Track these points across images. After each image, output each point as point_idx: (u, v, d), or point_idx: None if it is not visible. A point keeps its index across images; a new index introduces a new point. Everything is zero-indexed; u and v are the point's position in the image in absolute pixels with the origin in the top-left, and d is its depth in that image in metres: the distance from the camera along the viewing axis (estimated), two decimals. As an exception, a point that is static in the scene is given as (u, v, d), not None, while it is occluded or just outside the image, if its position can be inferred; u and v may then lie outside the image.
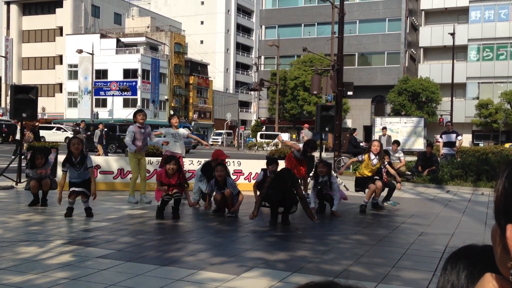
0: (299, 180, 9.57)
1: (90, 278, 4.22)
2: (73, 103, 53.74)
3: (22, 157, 10.98)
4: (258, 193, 8.12)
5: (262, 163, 9.65)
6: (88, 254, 5.05)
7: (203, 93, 61.93)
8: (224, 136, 48.75)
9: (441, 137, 15.43)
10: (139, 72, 51.25)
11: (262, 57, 51.58)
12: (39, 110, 35.49)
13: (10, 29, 57.78)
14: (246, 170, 11.37)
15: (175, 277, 4.29)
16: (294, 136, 40.30)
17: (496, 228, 0.68)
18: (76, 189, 7.24)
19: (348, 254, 5.43)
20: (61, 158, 10.74)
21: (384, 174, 8.99)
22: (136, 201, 8.88)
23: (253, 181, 10.93)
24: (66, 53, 53.32)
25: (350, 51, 43.50)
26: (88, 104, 48.69)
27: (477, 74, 44.06)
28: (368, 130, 34.62)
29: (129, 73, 51.66)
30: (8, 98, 38.11)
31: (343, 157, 15.84)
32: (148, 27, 58.31)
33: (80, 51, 42.39)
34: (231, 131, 54.41)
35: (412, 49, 47.78)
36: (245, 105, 70.93)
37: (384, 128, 16.13)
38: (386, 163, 9.17)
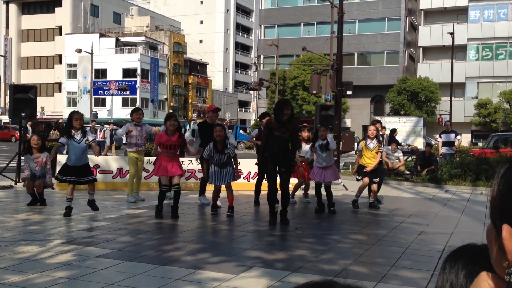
0: (302, 183, 9.59)
1: (89, 277, 4.22)
2: (72, 102, 53.71)
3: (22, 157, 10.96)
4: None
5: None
6: (87, 253, 5.05)
7: (202, 92, 61.90)
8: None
9: (440, 136, 15.45)
10: (138, 71, 51.22)
11: (262, 56, 51.58)
12: (38, 109, 35.49)
13: (9, 28, 57.72)
14: (245, 169, 11.36)
15: (174, 277, 4.29)
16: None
17: (491, 228, 0.68)
18: (71, 178, 7.20)
19: (347, 254, 5.43)
20: (61, 157, 10.74)
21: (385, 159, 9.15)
22: (134, 200, 8.91)
23: (252, 181, 10.95)
24: (65, 53, 53.28)
25: (349, 51, 43.50)
26: (87, 103, 48.66)
27: (476, 74, 44.07)
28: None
29: (128, 72, 51.63)
30: (7, 97, 38.08)
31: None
32: (147, 26, 58.28)
33: (79, 51, 42.36)
34: (230, 130, 54.42)
35: (411, 49, 47.80)
36: (244, 104, 70.92)
37: (383, 128, 16.12)
38: (383, 149, 9.30)
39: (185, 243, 5.74)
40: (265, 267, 4.72)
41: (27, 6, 58.28)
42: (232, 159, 7.72)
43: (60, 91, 55.59)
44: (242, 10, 75.27)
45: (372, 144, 8.65)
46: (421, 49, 47.34)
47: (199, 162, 8.93)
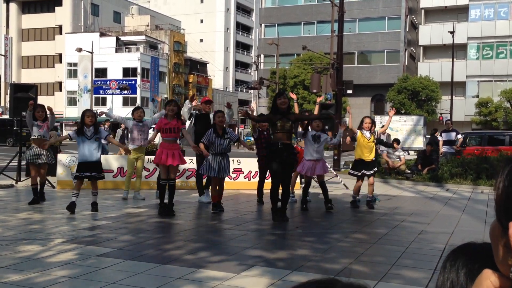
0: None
1: (90, 276, 4.22)
2: (72, 101, 53.71)
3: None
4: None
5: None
6: (88, 252, 5.05)
7: (202, 91, 61.90)
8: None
9: (441, 135, 15.44)
10: (139, 70, 51.21)
11: (262, 55, 51.55)
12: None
13: (10, 27, 57.71)
14: (245, 168, 11.38)
15: (175, 275, 4.29)
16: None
17: (495, 226, 0.68)
18: (90, 173, 7.41)
19: (348, 253, 5.44)
20: (61, 156, 10.76)
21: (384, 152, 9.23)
22: (125, 197, 9.07)
23: (253, 180, 10.98)
24: (65, 52, 53.27)
25: (350, 50, 43.47)
26: (87, 102, 48.66)
27: (477, 73, 44.05)
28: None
29: (128, 71, 51.62)
30: (8, 96, 38.11)
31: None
32: (147, 25, 58.25)
33: (79, 50, 42.35)
34: (231, 129, 54.40)
35: (411, 48, 47.77)
36: (244, 103, 70.89)
37: (383, 127, 16.10)
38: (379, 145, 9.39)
39: (185, 242, 5.75)
40: (266, 266, 4.73)
41: (27, 5, 58.26)
42: (236, 143, 7.96)
43: (61, 90, 55.58)
44: (243, 9, 75.22)
45: (368, 133, 8.71)
46: (421, 48, 47.31)
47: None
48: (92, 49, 43.88)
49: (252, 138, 10.01)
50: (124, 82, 49.86)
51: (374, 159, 8.91)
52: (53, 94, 56.50)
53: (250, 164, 11.26)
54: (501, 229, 0.66)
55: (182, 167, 10.67)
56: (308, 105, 42.44)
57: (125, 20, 60.37)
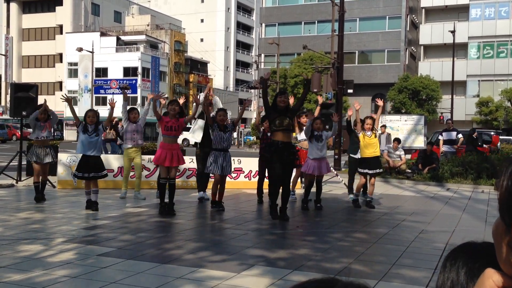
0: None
1: (90, 276, 4.22)
2: (73, 101, 53.69)
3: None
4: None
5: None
6: (88, 252, 5.06)
7: (203, 91, 61.82)
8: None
9: (441, 134, 15.42)
10: (139, 70, 51.21)
11: (262, 55, 51.53)
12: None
13: (10, 27, 57.71)
14: (246, 168, 11.38)
15: (175, 275, 4.30)
16: (294, 134, 40.24)
17: (498, 224, 0.68)
18: (88, 174, 7.74)
19: (348, 252, 5.43)
20: (61, 156, 10.76)
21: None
22: (123, 196, 9.13)
23: (253, 179, 10.98)
24: (66, 51, 53.27)
25: (350, 49, 43.45)
26: (88, 102, 48.66)
27: (478, 72, 44.02)
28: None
29: (129, 71, 51.61)
30: (8, 96, 38.13)
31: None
32: (148, 25, 58.24)
33: (80, 49, 42.36)
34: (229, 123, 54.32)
35: (412, 47, 47.73)
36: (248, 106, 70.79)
37: (383, 126, 16.12)
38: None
39: (186, 241, 5.75)
40: (266, 265, 4.73)
41: (28, 5, 58.26)
42: (234, 124, 8.20)
43: (61, 90, 55.53)
44: (243, 9, 75.19)
45: (369, 132, 8.74)
46: (422, 47, 47.27)
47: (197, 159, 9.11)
48: (92, 49, 43.88)
49: (252, 138, 10.11)
50: (125, 81, 49.86)
51: (379, 156, 8.93)
52: (54, 94, 56.48)
53: (251, 164, 11.26)
54: (504, 227, 0.66)
55: (182, 166, 10.68)
56: (308, 104, 42.45)
57: (125, 19, 60.36)
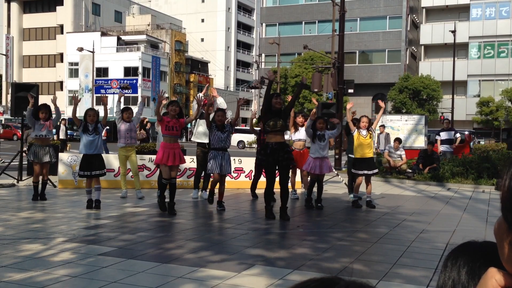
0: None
1: (91, 275, 4.23)
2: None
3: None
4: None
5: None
6: (89, 251, 5.06)
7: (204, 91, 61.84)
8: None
9: (438, 134, 15.37)
10: (140, 70, 51.22)
11: (263, 55, 51.53)
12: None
13: (11, 27, 57.75)
14: (246, 168, 11.38)
15: (175, 275, 4.30)
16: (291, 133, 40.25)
17: (501, 223, 0.68)
18: (90, 173, 7.84)
19: (348, 252, 5.43)
20: (62, 155, 10.77)
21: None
22: (125, 195, 9.17)
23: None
24: (66, 51, 53.30)
25: (351, 49, 43.44)
26: (88, 102, 48.65)
27: (478, 72, 44.00)
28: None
29: (129, 71, 51.63)
30: (9, 96, 38.15)
31: None
32: (148, 25, 58.26)
33: (80, 49, 42.37)
34: (227, 124, 54.33)
35: (413, 47, 47.72)
36: (245, 103, 70.87)
37: (382, 126, 16.12)
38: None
39: (186, 241, 5.75)
40: (266, 265, 4.73)
41: (28, 5, 58.29)
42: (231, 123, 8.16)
43: (62, 90, 55.59)
44: (244, 9, 75.18)
45: (365, 131, 8.76)
46: (422, 47, 47.26)
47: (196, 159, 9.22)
48: (93, 49, 43.89)
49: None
50: (125, 81, 49.86)
51: (372, 156, 8.96)
52: (54, 94, 56.49)
53: (251, 163, 11.26)
54: (506, 226, 0.66)
55: (183, 166, 10.69)
56: (309, 104, 42.44)
57: (126, 19, 60.37)
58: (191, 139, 9.61)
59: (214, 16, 70.80)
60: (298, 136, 9.51)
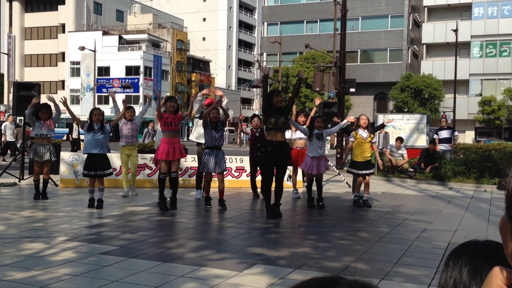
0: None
1: (93, 274, 4.23)
2: (75, 100, 53.78)
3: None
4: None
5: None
6: (91, 250, 5.06)
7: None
8: (227, 133, 48.77)
9: (436, 133, 15.34)
10: (141, 69, 51.24)
11: (264, 54, 51.51)
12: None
13: (13, 26, 57.81)
14: (248, 167, 11.36)
15: (177, 274, 4.30)
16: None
17: (505, 221, 0.67)
18: (94, 173, 7.81)
19: (350, 251, 5.43)
20: (64, 154, 10.77)
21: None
22: (127, 195, 9.25)
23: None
24: (68, 50, 53.33)
25: (353, 48, 43.40)
26: (90, 101, 48.74)
27: (480, 71, 43.92)
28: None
29: (131, 70, 51.65)
30: (11, 95, 38.20)
31: None
32: (150, 24, 58.27)
33: (82, 48, 42.40)
34: (233, 128, 54.42)
35: (414, 46, 47.65)
36: (247, 102, 70.86)
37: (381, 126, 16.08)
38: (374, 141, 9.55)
39: (188, 240, 5.75)
40: (267, 264, 4.73)
41: (30, 4, 58.34)
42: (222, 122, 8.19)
43: (64, 89, 55.65)
44: (245, 8, 75.15)
45: (365, 133, 8.72)
46: (424, 46, 47.18)
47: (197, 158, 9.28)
48: (95, 48, 43.92)
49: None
50: (127, 80, 49.91)
51: (370, 159, 8.97)
52: (56, 93, 56.52)
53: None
54: (510, 226, 0.66)
55: (184, 165, 10.69)
56: (311, 103, 42.42)
57: (127, 18, 60.40)
58: (190, 138, 9.62)
59: (216, 15, 70.79)
60: (299, 134, 9.54)
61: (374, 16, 45.58)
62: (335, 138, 17.88)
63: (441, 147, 14.93)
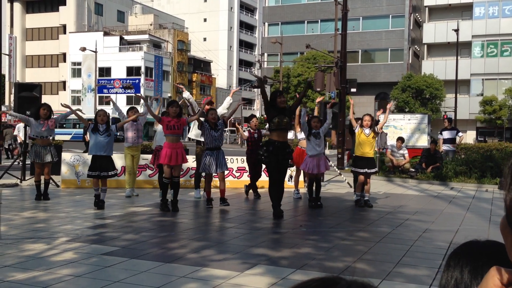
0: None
1: (94, 275, 4.23)
2: (76, 101, 53.84)
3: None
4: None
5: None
6: (92, 251, 5.07)
7: (206, 90, 61.91)
8: (228, 133, 48.76)
9: (441, 133, 15.34)
10: (142, 69, 51.28)
11: (265, 54, 51.51)
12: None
13: (14, 27, 57.87)
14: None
15: (178, 274, 4.30)
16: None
17: (506, 226, 0.67)
18: (98, 173, 7.85)
19: (351, 251, 5.43)
20: (65, 155, 10.78)
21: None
22: (130, 195, 9.29)
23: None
24: (69, 51, 53.40)
25: (354, 48, 43.38)
26: (91, 102, 48.80)
27: (481, 71, 43.87)
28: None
29: (132, 70, 51.69)
30: (12, 96, 38.27)
31: None
32: (151, 24, 58.31)
33: (83, 49, 42.44)
34: (234, 128, 54.41)
35: (415, 46, 47.61)
36: (248, 102, 70.85)
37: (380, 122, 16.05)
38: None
39: (189, 240, 5.75)
40: (269, 264, 4.73)
41: (31, 5, 58.41)
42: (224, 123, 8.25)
43: (65, 90, 55.72)
44: (246, 8, 75.17)
45: (368, 130, 8.76)
46: (425, 46, 47.14)
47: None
48: (96, 48, 43.97)
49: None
50: (128, 81, 49.93)
51: (373, 156, 8.97)
52: (57, 94, 56.63)
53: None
54: (509, 230, 0.66)
55: (186, 165, 10.70)
56: (312, 103, 42.41)
57: (128, 19, 60.45)
58: (189, 135, 9.63)
59: (217, 16, 70.81)
60: (303, 135, 9.56)
61: (375, 16, 45.55)
62: (336, 138, 17.89)
63: (444, 147, 14.94)
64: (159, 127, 9.02)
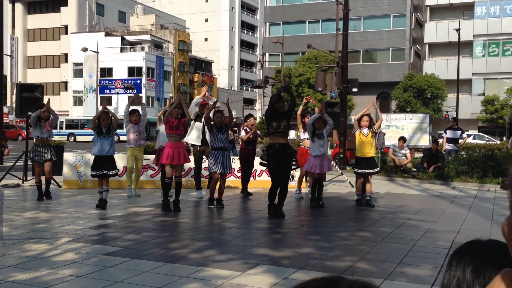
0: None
1: (96, 275, 4.24)
2: (78, 101, 53.92)
3: None
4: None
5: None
6: (94, 251, 5.07)
7: (207, 90, 61.84)
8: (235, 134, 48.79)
9: (445, 132, 15.34)
10: (144, 70, 51.32)
11: (267, 54, 51.53)
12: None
13: (15, 27, 57.97)
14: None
15: (180, 274, 4.30)
16: (299, 133, 40.31)
17: (510, 222, 0.67)
18: (100, 172, 7.97)
19: (353, 251, 5.42)
20: (67, 156, 10.79)
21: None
22: (130, 195, 9.34)
23: (258, 178, 11.04)
24: (71, 52, 53.48)
25: (355, 48, 43.36)
26: (93, 102, 48.88)
27: (483, 70, 43.82)
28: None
29: (133, 71, 51.74)
30: (14, 96, 38.32)
31: None
32: (152, 25, 58.35)
33: (85, 50, 42.51)
34: (236, 128, 54.45)
35: (417, 45, 47.58)
36: (249, 102, 70.89)
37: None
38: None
39: (191, 240, 5.75)
40: (271, 264, 4.73)
41: (33, 6, 58.50)
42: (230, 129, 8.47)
43: (66, 90, 55.80)
44: (247, 8, 75.19)
45: (366, 130, 8.79)
46: (427, 45, 47.10)
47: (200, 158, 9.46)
48: (97, 49, 44.04)
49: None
50: (129, 81, 50.00)
51: (374, 156, 8.97)
52: (59, 94, 56.73)
53: (255, 163, 11.26)
54: None
55: (187, 166, 10.70)
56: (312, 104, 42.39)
57: (130, 19, 60.51)
58: (185, 139, 9.63)
59: (218, 16, 70.83)
60: (307, 135, 9.58)
61: (376, 16, 45.53)
62: (337, 138, 17.89)
63: (447, 146, 14.94)
64: (162, 128, 9.03)
